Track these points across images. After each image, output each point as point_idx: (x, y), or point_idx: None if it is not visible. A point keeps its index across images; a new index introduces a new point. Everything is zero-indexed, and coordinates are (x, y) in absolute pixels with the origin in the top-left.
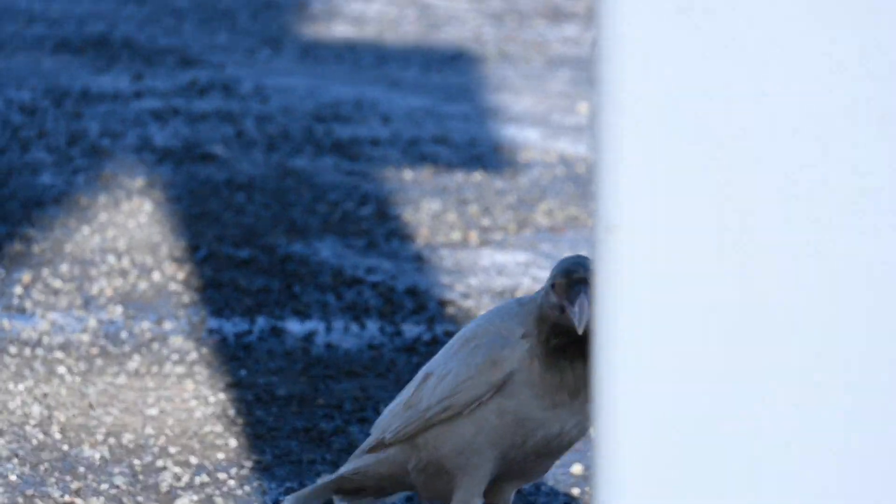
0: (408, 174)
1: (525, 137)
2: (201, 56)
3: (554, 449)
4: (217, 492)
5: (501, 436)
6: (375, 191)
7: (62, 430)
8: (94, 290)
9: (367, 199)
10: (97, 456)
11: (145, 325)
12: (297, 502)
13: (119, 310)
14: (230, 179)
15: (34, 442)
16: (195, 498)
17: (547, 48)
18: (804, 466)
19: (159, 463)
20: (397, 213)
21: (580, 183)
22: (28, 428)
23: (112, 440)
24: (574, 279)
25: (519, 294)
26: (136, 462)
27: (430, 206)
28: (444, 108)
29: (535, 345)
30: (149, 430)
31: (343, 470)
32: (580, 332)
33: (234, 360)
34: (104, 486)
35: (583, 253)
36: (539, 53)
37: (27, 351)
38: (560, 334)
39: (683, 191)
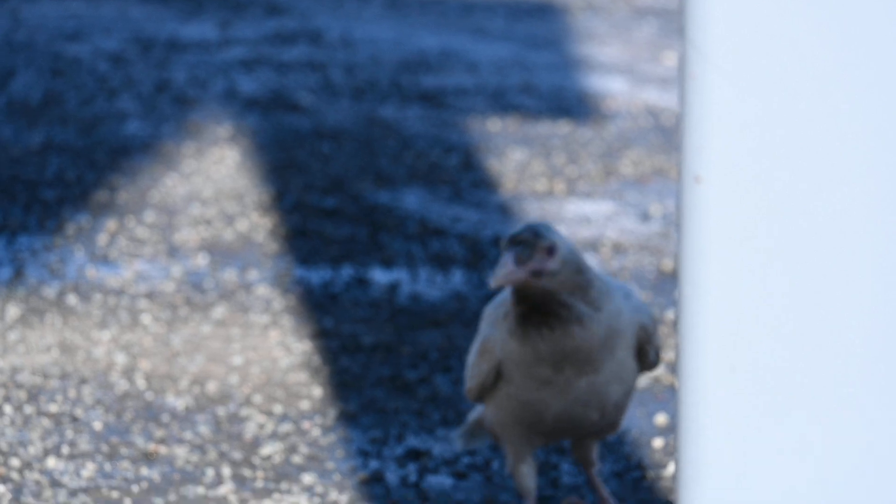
0: (494, 123)
1: (611, 87)
2: (288, 4)
3: (579, 415)
4: (301, 441)
5: (518, 416)
6: (461, 140)
7: (146, 379)
8: (180, 238)
9: (452, 148)
10: (181, 404)
11: (230, 273)
12: (462, 435)
13: (204, 258)
14: (317, 128)
15: (118, 390)
16: (279, 447)
17: None
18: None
19: (243, 412)
20: (483, 162)
21: (666, 133)
22: (112, 376)
23: (196, 389)
24: (510, 240)
25: (604, 244)
26: (220, 411)
27: (515, 156)
28: (529, 58)
29: (512, 323)
30: (233, 379)
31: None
32: (491, 285)
33: (320, 309)
34: (188, 435)
35: (667, 204)
36: (625, 3)
37: (112, 299)
38: (518, 302)
39: (770, 142)
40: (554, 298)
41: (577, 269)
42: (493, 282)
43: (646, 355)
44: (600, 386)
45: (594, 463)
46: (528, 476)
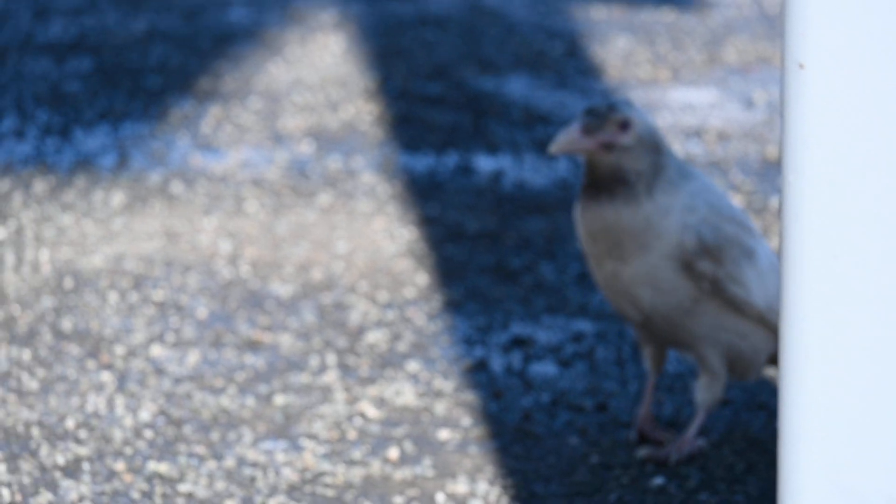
0: (598, 11)
1: None
2: None
3: (621, 307)
4: (406, 328)
5: (614, 292)
6: (566, 27)
7: (251, 266)
8: (284, 125)
9: (557, 35)
10: (286, 292)
11: (335, 160)
12: None
13: (309, 145)
14: (421, 15)
15: (223, 278)
16: (384, 334)
17: None
18: None
19: (348, 299)
20: (587, 49)
21: (770, 21)
22: (217, 264)
23: (301, 276)
24: (584, 111)
25: (707, 132)
26: (325, 298)
27: (619, 43)
28: None
29: (579, 195)
30: (338, 267)
31: None
32: (549, 150)
33: (424, 196)
34: (292, 323)
35: (772, 92)
36: None
37: (216, 186)
38: (587, 174)
39: (874, 30)
40: (620, 174)
41: (654, 150)
42: (551, 147)
43: (695, 275)
44: (626, 279)
45: (699, 404)
46: (646, 358)
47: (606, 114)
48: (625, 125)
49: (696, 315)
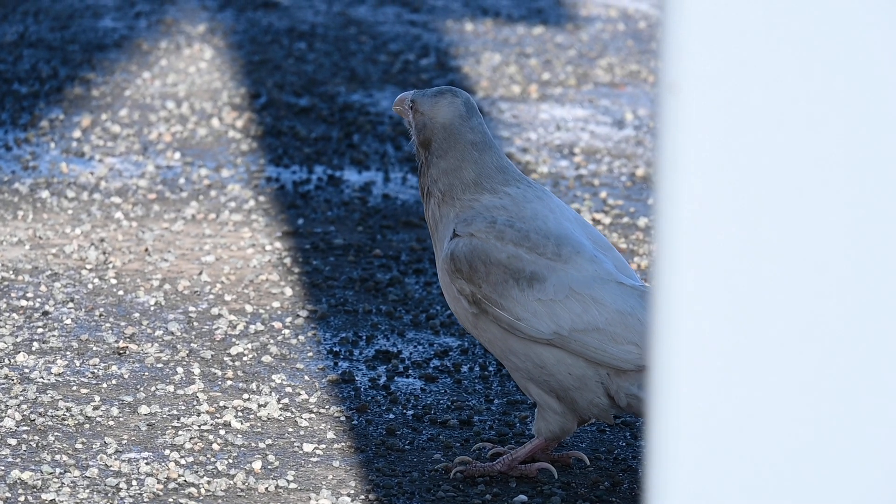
0: (469, 26)
1: None
2: None
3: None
4: (272, 340)
5: None
6: (436, 42)
7: (118, 276)
8: (153, 135)
9: (427, 50)
10: (152, 302)
11: (203, 171)
12: None
13: (177, 156)
14: (291, 27)
15: (90, 286)
16: (249, 346)
17: None
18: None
19: (214, 310)
20: (457, 64)
21: (641, 39)
22: (84, 272)
23: (167, 286)
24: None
25: (577, 150)
26: (192, 309)
27: (490, 59)
28: None
29: None
30: (205, 278)
31: None
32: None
33: (292, 209)
34: (158, 333)
35: (641, 111)
36: None
37: (85, 195)
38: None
39: (748, 49)
40: (417, 153)
41: (425, 144)
42: (394, 104)
43: (457, 291)
44: (441, 281)
45: (534, 431)
46: None
47: (422, 91)
48: (413, 108)
49: (483, 332)
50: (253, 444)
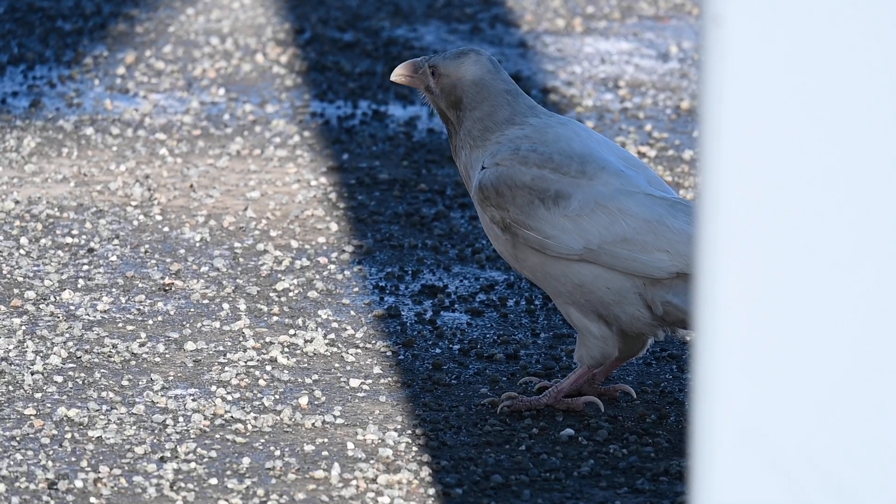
0: None
1: None
2: None
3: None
4: (317, 276)
5: None
6: None
7: (163, 212)
8: (197, 71)
9: None
10: (198, 238)
11: (248, 107)
12: None
13: (222, 92)
14: None
15: (135, 223)
16: (295, 281)
17: None
18: None
19: (260, 246)
20: None
21: None
22: (129, 209)
23: (213, 222)
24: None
25: (622, 83)
26: (237, 245)
27: None
28: None
29: None
30: (250, 213)
31: None
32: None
33: (337, 144)
34: (204, 269)
35: (685, 43)
36: None
37: (129, 132)
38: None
39: None
40: (443, 117)
41: (455, 105)
42: (392, 74)
43: (492, 219)
44: (482, 222)
45: (575, 360)
46: None
47: (431, 58)
48: (434, 73)
49: (523, 262)
50: (299, 380)
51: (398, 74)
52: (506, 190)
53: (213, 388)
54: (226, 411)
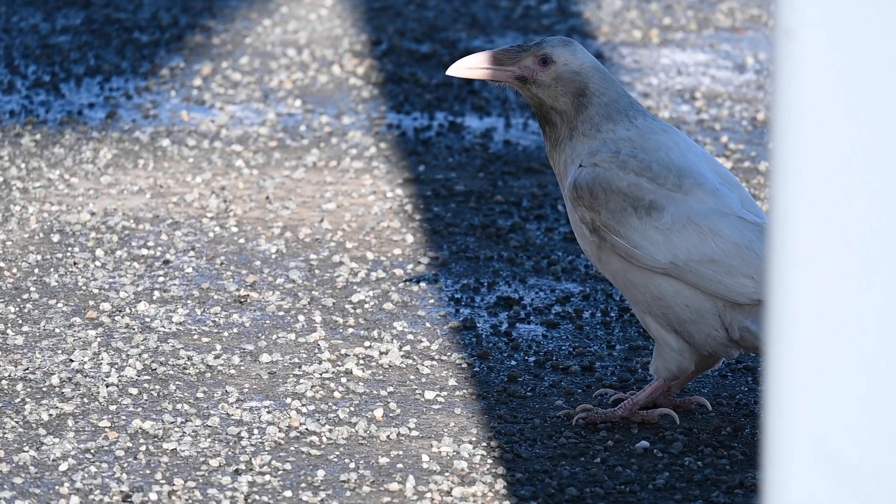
0: None
1: None
2: None
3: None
4: (393, 288)
5: None
6: None
7: (239, 224)
8: (274, 82)
9: None
10: (273, 249)
11: (324, 118)
12: None
13: (298, 103)
14: None
15: (211, 235)
16: (371, 293)
17: None
18: None
19: (335, 258)
20: (578, 9)
21: None
22: (205, 221)
23: (289, 234)
24: (516, 45)
25: (698, 94)
26: (313, 256)
27: (611, 4)
28: None
29: None
30: (326, 225)
31: None
32: (447, 72)
33: (413, 156)
34: (280, 280)
35: (762, 55)
36: None
37: (205, 143)
38: (529, 105)
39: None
40: (543, 112)
41: (576, 92)
42: (450, 69)
43: (581, 220)
44: (571, 219)
45: (651, 372)
46: None
47: (530, 47)
48: (545, 61)
49: (606, 264)
50: (374, 392)
51: (467, 67)
52: (600, 192)
53: (288, 400)
54: (300, 423)
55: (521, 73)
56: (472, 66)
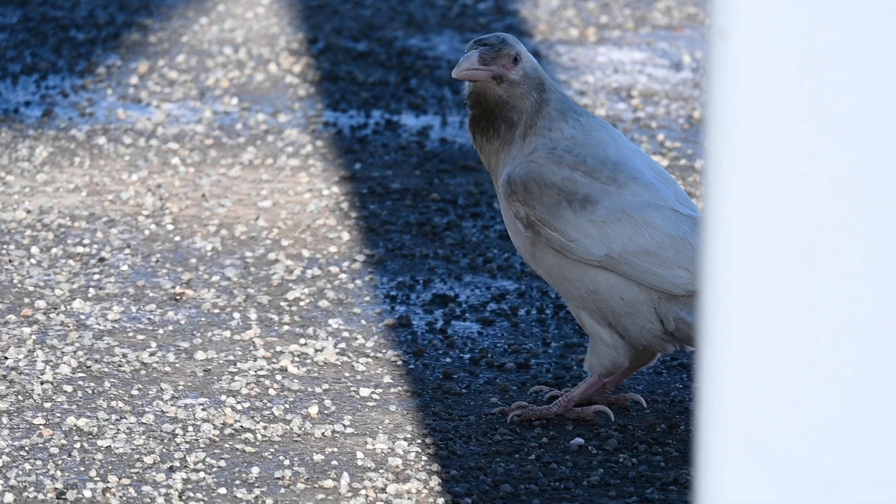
0: None
1: None
2: None
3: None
4: (328, 285)
5: None
6: None
7: (174, 221)
8: (210, 80)
9: None
10: (209, 247)
11: (261, 116)
12: None
13: (234, 101)
14: None
15: (146, 232)
16: (306, 291)
17: None
18: None
19: (271, 255)
20: (515, 8)
21: None
22: (141, 218)
23: (224, 232)
24: (477, 41)
25: (634, 92)
26: (248, 254)
27: (548, 2)
28: None
29: (467, 125)
30: (261, 223)
31: None
32: (453, 75)
33: (349, 154)
34: (215, 278)
35: (699, 53)
36: None
37: (142, 141)
38: (472, 105)
39: None
40: (505, 110)
41: (538, 88)
42: (454, 72)
43: (515, 215)
44: (504, 217)
45: (585, 368)
46: None
47: (500, 47)
48: (516, 59)
49: (540, 261)
50: (309, 389)
51: (468, 70)
52: (534, 187)
53: (223, 397)
54: (235, 421)
55: (498, 72)
56: (469, 68)
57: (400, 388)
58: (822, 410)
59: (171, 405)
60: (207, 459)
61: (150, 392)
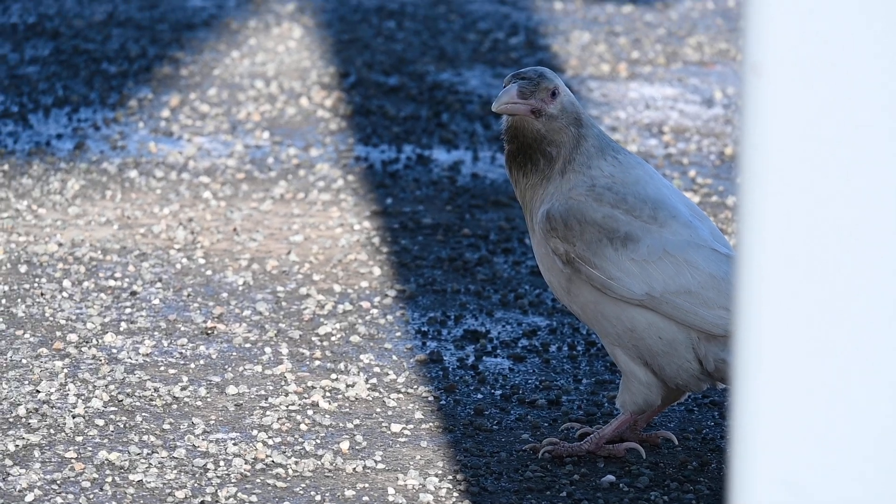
0: (558, 4)
1: None
2: None
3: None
4: (360, 320)
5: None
6: (525, 21)
7: (206, 255)
8: (242, 114)
9: (516, 28)
10: (240, 281)
11: (292, 151)
12: None
13: (266, 135)
14: (381, 6)
15: (178, 266)
16: (338, 326)
17: None
18: None
19: (302, 290)
20: (546, 43)
21: (730, 17)
22: (172, 252)
23: (256, 266)
24: (515, 75)
25: (666, 128)
26: (280, 289)
27: (579, 38)
28: None
29: (504, 159)
30: (293, 257)
31: None
32: (493, 108)
33: (381, 188)
34: (246, 312)
35: (730, 89)
36: None
37: (173, 175)
38: (509, 140)
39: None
40: (542, 145)
41: (576, 122)
42: (495, 106)
43: (552, 251)
44: (537, 252)
45: (618, 405)
46: None
47: (538, 81)
48: (554, 93)
49: (575, 297)
50: (341, 425)
51: (507, 103)
52: (575, 224)
53: (255, 432)
54: (267, 455)
55: (537, 106)
56: (509, 102)
57: (431, 423)
58: (860, 455)
59: (203, 440)
60: (239, 494)
61: (181, 426)
